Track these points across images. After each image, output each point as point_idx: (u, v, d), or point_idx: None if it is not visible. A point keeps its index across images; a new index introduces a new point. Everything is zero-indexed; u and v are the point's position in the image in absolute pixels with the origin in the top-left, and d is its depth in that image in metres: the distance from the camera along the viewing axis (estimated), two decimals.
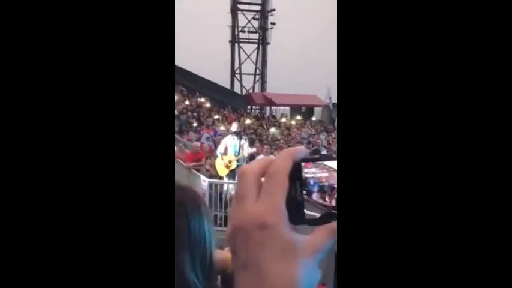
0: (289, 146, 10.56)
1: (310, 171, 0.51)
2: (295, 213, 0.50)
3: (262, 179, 0.51)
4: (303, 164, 0.51)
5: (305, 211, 0.51)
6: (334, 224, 0.49)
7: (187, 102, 20.98)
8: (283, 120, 22.71)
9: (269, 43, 32.75)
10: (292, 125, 21.63)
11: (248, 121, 18.73)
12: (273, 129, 17.55)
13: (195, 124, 16.78)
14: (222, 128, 15.66)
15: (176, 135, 15.07)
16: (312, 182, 0.51)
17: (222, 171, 9.78)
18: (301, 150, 0.52)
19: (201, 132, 14.06)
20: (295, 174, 0.51)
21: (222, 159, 9.87)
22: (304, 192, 0.51)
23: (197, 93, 24.80)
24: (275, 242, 0.48)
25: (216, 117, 18.36)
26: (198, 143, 11.51)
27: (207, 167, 10.14)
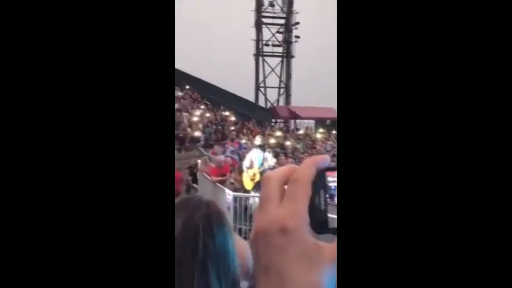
0: None
1: (333, 180, 0.52)
2: (319, 221, 0.50)
3: (285, 186, 0.51)
4: (326, 173, 0.51)
5: (329, 220, 0.50)
6: None
7: (210, 115, 21.14)
8: (307, 132, 22.71)
9: (293, 56, 32.93)
10: (317, 138, 21.63)
11: (274, 135, 18.75)
12: (295, 142, 17.55)
13: (219, 137, 16.89)
14: (245, 141, 15.72)
15: (201, 149, 15.17)
16: (333, 187, 0.51)
17: (248, 184, 9.80)
18: (325, 159, 0.52)
19: (226, 146, 14.12)
20: (319, 183, 0.51)
21: (248, 173, 9.90)
22: (329, 200, 0.51)
23: (221, 106, 24.97)
24: (296, 247, 0.48)
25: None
26: (222, 157, 11.55)
27: (232, 180, 10.16)
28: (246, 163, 10.17)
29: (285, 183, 0.51)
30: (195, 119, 19.06)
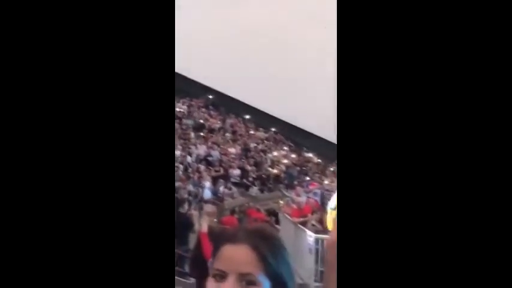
0: None
1: None
2: None
3: None
4: None
5: None
6: None
7: (293, 156, 21.09)
8: None
9: None
10: None
11: None
12: None
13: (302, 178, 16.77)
14: (327, 182, 15.50)
15: (283, 191, 15.13)
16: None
17: (331, 225, 9.57)
18: None
19: (309, 187, 14.00)
20: None
21: (331, 214, 9.68)
22: None
23: (304, 148, 24.89)
24: None
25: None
26: (302, 199, 11.44)
27: (313, 222, 10.02)
28: (331, 204, 9.96)
29: None
30: (278, 159, 19.07)
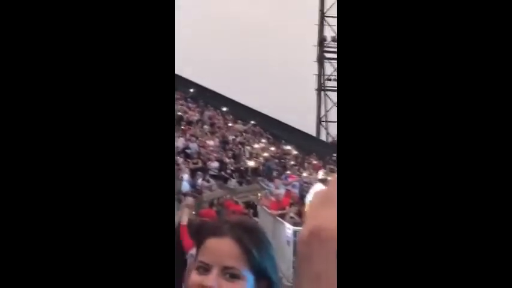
0: None
1: None
2: None
3: None
4: None
5: None
6: None
7: (273, 149, 21.19)
8: None
9: None
10: None
11: (336, 170, 18.48)
12: None
13: (280, 171, 16.86)
14: (306, 174, 15.59)
15: (261, 183, 15.19)
16: None
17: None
18: None
19: (288, 179, 14.07)
20: None
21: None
22: None
23: (283, 140, 25.01)
24: None
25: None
26: (280, 191, 11.51)
27: (291, 214, 10.08)
28: (309, 197, 10.06)
29: None
30: (257, 152, 19.15)
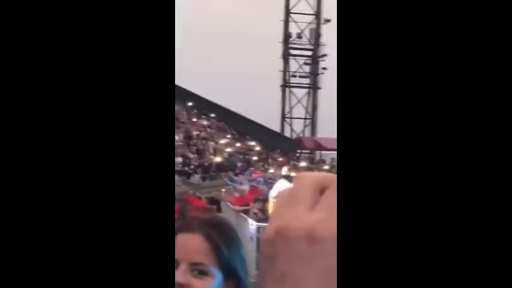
0: None
1: None
2: None
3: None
4: None
5: None
6: None
7: (236, 145, 21.25)
8: (333, 164, 22.59)
9: (320, 88, 33.01)
10: None
11: (299, 166, 18.72)
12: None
13: (244, 166, 16.93)
14: (272, 171, 15.72)
15: (225, 179, 15.21)
16: None
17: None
18: None
19: (252, 175, 14.15)
20: None
21: (273, 203, 9.87)
22: None
23: (247, 136, 25.11)
24: (323, 260, 0.43)
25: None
26: (244, 187, 11.56)
27: (255, 210, 10.13)
28: (272, 193, 10.15)
29: (321, 189, 0.46)
30: (221, 147, 19.18)
